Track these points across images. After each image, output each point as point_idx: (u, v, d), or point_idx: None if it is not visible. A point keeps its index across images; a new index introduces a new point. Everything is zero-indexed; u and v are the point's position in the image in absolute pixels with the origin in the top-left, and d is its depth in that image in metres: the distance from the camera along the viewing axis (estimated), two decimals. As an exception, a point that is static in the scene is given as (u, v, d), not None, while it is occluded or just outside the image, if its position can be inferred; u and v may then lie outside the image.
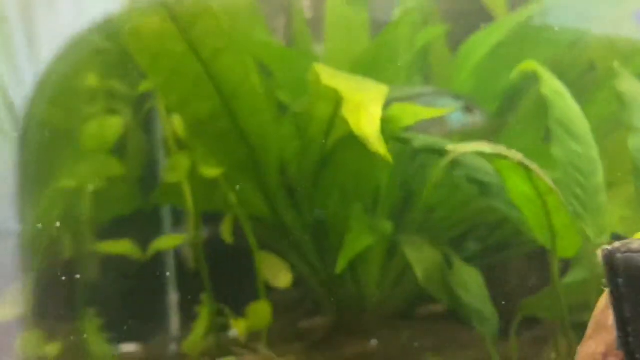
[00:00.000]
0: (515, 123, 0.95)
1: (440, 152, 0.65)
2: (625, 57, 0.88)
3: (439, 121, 0.77)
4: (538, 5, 0.93)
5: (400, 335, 0.94)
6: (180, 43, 0.61)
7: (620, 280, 0.32)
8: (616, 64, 0.73)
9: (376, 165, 0.87)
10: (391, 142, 0.78)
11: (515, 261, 0.87)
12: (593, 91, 0.89)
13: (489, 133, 0.98)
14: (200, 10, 0.60)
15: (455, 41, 0.99)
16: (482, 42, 0.97)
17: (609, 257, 0.33)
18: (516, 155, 0.53)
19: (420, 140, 0.70)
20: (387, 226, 0.77)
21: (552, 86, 0.63)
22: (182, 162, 0.71)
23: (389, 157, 0.54)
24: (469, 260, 0.84)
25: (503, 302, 0.78)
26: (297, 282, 0.96)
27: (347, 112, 0.56)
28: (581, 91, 0.99)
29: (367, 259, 0.92)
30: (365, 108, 0.54)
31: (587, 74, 0.99)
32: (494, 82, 0.98)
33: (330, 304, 0.98)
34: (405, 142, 0.72)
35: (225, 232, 0.82)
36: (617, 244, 0.37)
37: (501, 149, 0.53)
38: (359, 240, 0.70)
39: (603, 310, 0.38)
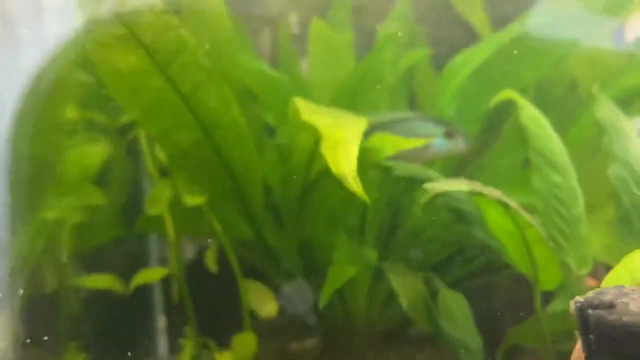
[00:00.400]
0: (498, 145, 0.96)
1: (421, 180, 0.65)
2: (606, 77, 0.89)
3: (422, 147, 0.78)
4: (520, 26, 0.94)
5: (389, 357, 0.94)
6: (158, 78, 0.61)
7: (591, 337, 0.32)
8: (595, 89, 0.73)
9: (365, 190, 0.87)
10: (375, 170, 0.78)
11: (502, 285, 0.87)
12: (575, 113, 0.90)
13: (472, 155, 0.98)
14: (178, 46, 0.60)
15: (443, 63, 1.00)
16: (465, 63, 0.97)
17: (581, 312, 0.33)
18: (494, 193, 0.53)
19: (401, 168, 0.70)
20: (372, 255, 0.76)
21: (531, 115, 0.63)
22: (164, 192, 0.70)
23: (366, 197, 0.54)
24: (456, 284, 0.84)
25: (489, 329, 0.78)
26: (286, 307, 0.96)
27: (325, 150, 0.56)
28: (564, 112, 1.00)
29: (355, 282, 0.92)
30: (343, 147, 0.54)
31: (570, 93, 1.00)
32: (477, 103, 0.98)
33: (320, 327, 0.97)
34: (387, 170, 0.72)
35: (210, 260, 0.82)
36: (590, 295, 0.36)
37: (478, 186, 0.52)
38: (343, 272, 0.70)
39: (578, 357, 0.38)
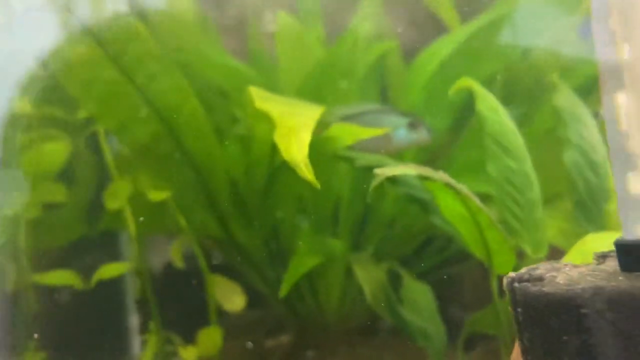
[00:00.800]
0: (467, 136, 0.96)
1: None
2: (567, 70, 0.90)
3: (385, 138, 0.77)
4: (488, 19, 0.94)
5: (362, 351, 0.94)
6: (111, 69, 0.61)
7: (519, 310, 0.32)
8: (555, 78, 0.73)
9: (333, 181, 0.87)
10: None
11: (470, 274, 0.87)
12: (539, 105, 0.90)
13: (443, 148, 0.98)
14: (129, 35, 0.59)
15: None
16: (433, 55, 0.97)
17: (510, 286, 0.33)
18: (442, 177, 0.53)
19: (362, 158, 0.70)
20: (336, 245, 0.76)
21: (487, 102, 0.63)
22: (123, 187, 0.70)
23: (317, 183, 0.54)
24: (426, 274, 0.84)
25: (457, 318, 0.78)
26: (258, 301, 0.95)
27: (278, 137, 0.56)
28: (532, 102, 1.00)
29: (327, 276, 0.92)
30: (296, 134, 0.54)
31: (535, 86, 1.00)
32: (445, 95, 0.98)
33: (292, 322, 0.97)
34: (348, 160, 0.72)
35: (175, 256, 0.81)
36: (522, 270, 0.36)
37: (427, 171, 0.53)
38: (304, 262, 0.70)
39: (516, 356, 0.38)
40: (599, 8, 0.33)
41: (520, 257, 0.61)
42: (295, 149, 0.53)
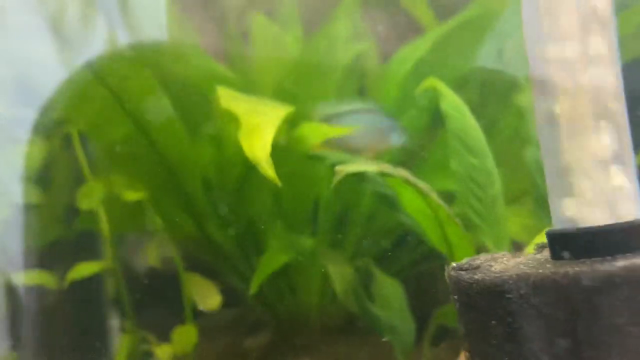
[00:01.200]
0: (441, 137, 0.97)
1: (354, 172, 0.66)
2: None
3: (361, 138, 0.79)
4: (462, 19, 0.96)
5: (341, 348, 0.95)
6: (83, 72, 0.61)
7: (455, 297, 0.33)
8: (522, 79, 0.75)
9: (311, 179, 0.88)
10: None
11: (442, 270, 0.88)
12: (508, 105, 0.92)
13: (420, 148, 1.00)
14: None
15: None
16: (409, 55, 0.99)
17: (448, 275, 0.34)
18: (401, 173, 0.54)
19: (332, 157, 0.71)
20: (308, 243, 0.77)
21: (451, 102, 0.65)
22: (96, 188, 0.71)
23: (278, 181, 0.55)
24: (400, 270, 0.86)
25: (429, 313, 0.79)
26: (236, 300, 0.96)
27: (242, 136, 0.57)
28: (505, 102, 1.02)
29: (305, 273, 0.93)
30: (259, 132, 0.55)
31: (507, 86, 1.02)
32: (420, 94, 1.00)
33: (271, 320, 0.98)
34: (318, 159, 0.73)
35: (151, 255, 0.82)
36: (463, 261, 0.38)
37: (387, 167, 0.54)
38: (274, 260, 0.71)
39: None
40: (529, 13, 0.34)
41: (484, 252, 0.63)
42: (258, 147, 0.54)
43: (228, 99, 0.61)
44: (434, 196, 0.54)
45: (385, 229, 0.93)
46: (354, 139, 0.79)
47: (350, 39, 1.04)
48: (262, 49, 0.96)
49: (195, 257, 0.95)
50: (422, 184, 0.54)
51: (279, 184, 0.55)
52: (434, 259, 0.99)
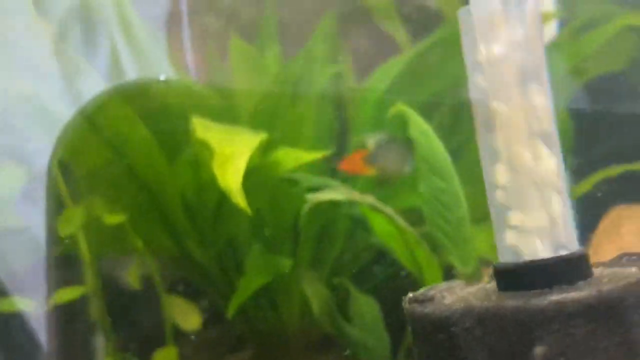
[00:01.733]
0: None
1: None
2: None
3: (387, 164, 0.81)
4: (436, 38, 0.98)
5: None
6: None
7: (410, 329, 0.35)
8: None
9: (290, 200, 0.90)
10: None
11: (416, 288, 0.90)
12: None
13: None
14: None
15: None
16: (384, 74, 1.01)
17: (403, 306, 0.36)
18: (367, 199, 0.56)
19: (308, 180, 0.73)
20: (286, 263, 0.79)
21: (419, 127, 0.67)
22: (76, 213, 0.72)
23: (248, 210, 0.57)
24: (376, 288, 0.87)
25: (403, 327, 0.81)
26: (218, 319, 0.98)
27: (215, 165, 0.59)
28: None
29: (287, 291, 0.95)
30: (232, 162, 0.57)
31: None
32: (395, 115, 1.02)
33: (252, 338, 0.99)
34: (294, 183, 0.75)
35: (132, 277, 0.83)
36: (420, 291, 0.40)
37: (355, 195, 0.56)
38: (252, 281, 0.72)
39: None
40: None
41: (453, 271, 0.65)
42: (230, 177, 0.56)
43: (203, 129, 0.63)
44: (401, 221, 0.56)
45: (361, 247, 0.95)
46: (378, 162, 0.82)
47: (327, 59, 1.07)
48: (240, 73, 0.99)
49: (177, 277, 0.97)
50: (388, 210, 0.56)
51: (249, 212, 0.57)
52: (409, 275, 1.01)
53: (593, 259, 0.65)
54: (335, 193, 0.58)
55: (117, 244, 0.89)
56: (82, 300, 0.92)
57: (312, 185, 0.73)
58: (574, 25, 1.02)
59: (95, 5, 0.96)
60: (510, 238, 0.34)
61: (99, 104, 0.65)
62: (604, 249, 0.56)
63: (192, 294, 0.94)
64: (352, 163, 0.90)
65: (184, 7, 1.09)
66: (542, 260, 0.34)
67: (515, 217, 0.33)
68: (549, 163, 0.34)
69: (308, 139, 0.98)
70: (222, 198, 0.86)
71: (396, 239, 0.60)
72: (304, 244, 0.92)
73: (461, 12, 0.39)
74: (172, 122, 0.82)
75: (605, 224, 0.61)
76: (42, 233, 0.89)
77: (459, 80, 1.01)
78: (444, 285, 0.40)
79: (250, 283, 0.72)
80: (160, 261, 0.92)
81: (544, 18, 1.08)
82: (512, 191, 0.33)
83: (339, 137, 1.06)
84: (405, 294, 0.99)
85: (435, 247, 0.64)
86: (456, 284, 0.39)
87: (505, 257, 0.36)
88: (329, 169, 1.01)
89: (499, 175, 0.34)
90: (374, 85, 1.02)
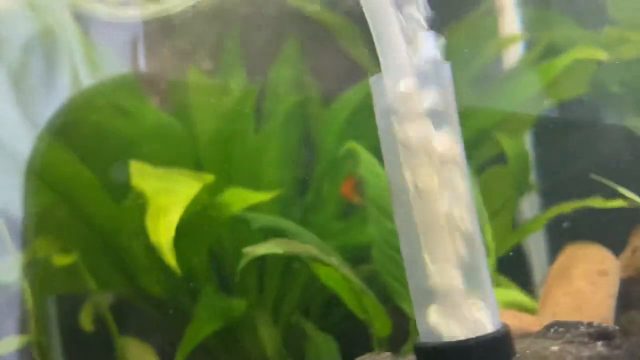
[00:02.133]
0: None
1: (279, 233, 0.66)
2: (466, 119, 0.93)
3: None
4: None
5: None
6: None
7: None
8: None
9: (238, 242, 0.87)
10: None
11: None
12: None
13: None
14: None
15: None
16: (348, 101, 1.00)
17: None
18: (310, 251, 0.54)
19: (260, 220, 0.71)
20: (240, 305, 0.77)
21: (369, 166, 0.65)
22: (17, 259, 0.69)
23: (178, 270, 0.54)
24: (334, 326, 0.85)
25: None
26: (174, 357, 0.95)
27: (148, 217, 0.56)
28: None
29: (246, 329, 0.92)
30: (164, 215, 0.55)
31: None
32: (359, 139, 1.01)
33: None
34: (246, 223, 0.73)
35: (85, 319, 0.81)
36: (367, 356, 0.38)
37: (296, 246, 0.54)
38: (202, 328, 0.70)
39: None
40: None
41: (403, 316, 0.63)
42: (161, 232, 0.54)
43: (140, 175, 0.61)
44: (346, 270, 0.54)
45: (319, 286, 0.93)
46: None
47: (293, 83, 1.05)
48: (198, 99, 0.97)
49: (132, 317, 0.94)
50: (332, 260, 0.54)
51: (179, 271, 0.54)
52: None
53: (543, 306, 0.64)
54: (274, 246, 0.56)
55: (69, 285, 0.86)
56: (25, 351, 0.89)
57: (263, 225, 0.71)
58: (537, 49, 1.01)
59: (57, 32, 0.94)
60: (429, 318, 0.32)
61: (39, 149, 0.63)
62: (554, 294, 0.55)
63: (146, 334, 0.91)
64: (346, 189, 0.88)
65: (149, 32, 1.07)
66: (458, 342, 0.32)
67: (433, 298, 0.31)
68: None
69: (272, 164, 0.97)
70: (176, 235, 0.84)
71: (343, 288, 0.58)
72: (259, 283, 0.90)
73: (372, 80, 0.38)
74: (120, 157, 0.80)
75: (558, 264, 0.59)
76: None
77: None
78: (372, 356, 0.38)
79: (200, 329, 0.70)
80: (114, 299, 0.89)
81: (510, 40, 1.08)
82: (430, 273, 0.32)
83: (306, 162, 1.04)
84: (366, 332, 0.97)
85: (385, 291, 0.63)
86: (383, 356, 0.37)
87: (425, 337, 0.34)
88: (299, 192, 0.99)
89: (419, 257, 0.32)
90: (337, 112, 1.00)
